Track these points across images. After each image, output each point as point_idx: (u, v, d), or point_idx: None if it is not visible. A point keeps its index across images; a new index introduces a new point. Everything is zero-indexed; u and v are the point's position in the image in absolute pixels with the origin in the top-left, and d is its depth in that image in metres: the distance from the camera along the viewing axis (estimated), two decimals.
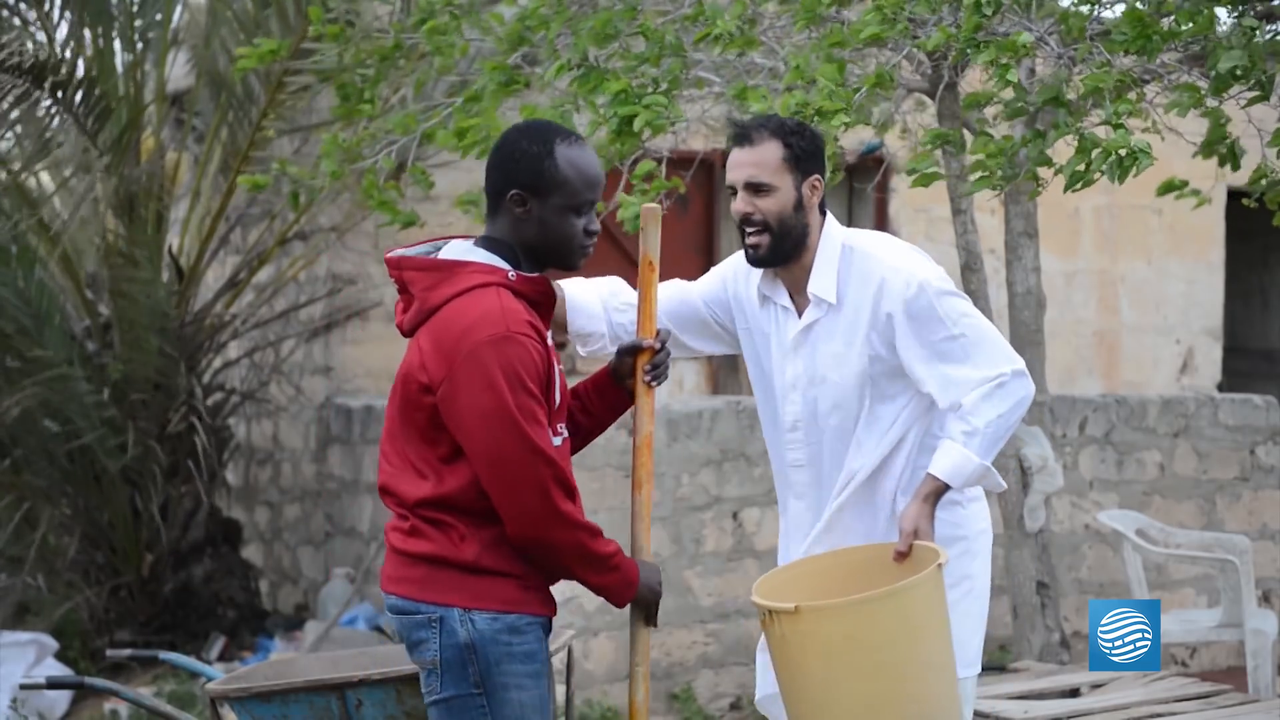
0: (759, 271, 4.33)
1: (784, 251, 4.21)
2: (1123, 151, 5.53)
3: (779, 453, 4.36)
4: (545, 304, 3.76)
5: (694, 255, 10.67)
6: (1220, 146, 6.37)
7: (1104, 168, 5.60)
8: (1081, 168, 5.68)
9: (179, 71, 9.82)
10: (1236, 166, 6.37)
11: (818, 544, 4.28)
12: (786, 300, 4.29)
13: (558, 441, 3.73)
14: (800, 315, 4.27)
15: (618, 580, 3.75)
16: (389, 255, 3.80)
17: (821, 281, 4.23)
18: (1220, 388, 11.78)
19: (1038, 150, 5.89)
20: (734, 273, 4.42)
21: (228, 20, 9.14)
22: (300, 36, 8.50)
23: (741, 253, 4.38)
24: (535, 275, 3.75)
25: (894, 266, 4.20)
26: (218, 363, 9.77)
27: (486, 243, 3.79)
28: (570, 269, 3.82)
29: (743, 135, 4.23)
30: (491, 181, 3.80)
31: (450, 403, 3.60)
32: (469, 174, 9.65)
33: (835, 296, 4.21)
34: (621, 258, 10.54)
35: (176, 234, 9.70)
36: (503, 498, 3.62)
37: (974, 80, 7.35)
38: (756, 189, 4.21)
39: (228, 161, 9.28)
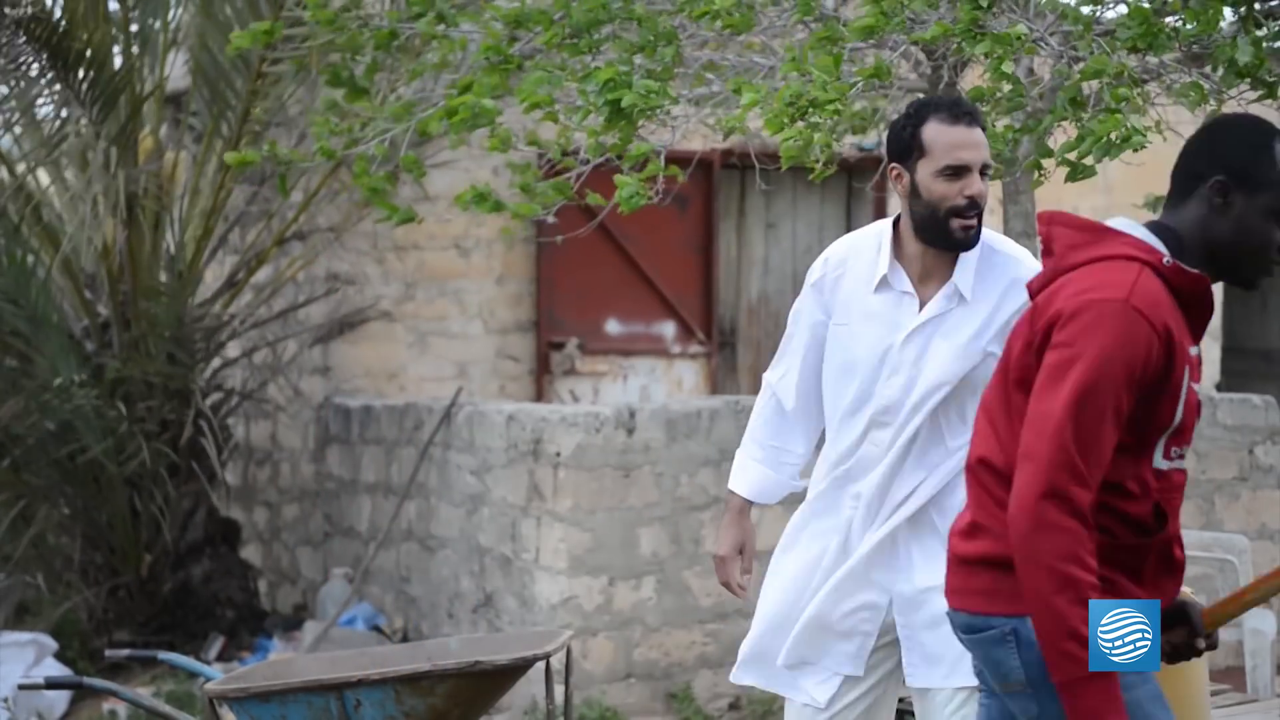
0: (855, 260, 4.26)
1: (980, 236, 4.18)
2: (1115, 134, 5.53)
3: (853, 437, 4.25)
4: (1196, 306, 3.27)
5: (693, 255, 10.68)
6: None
7: (1094, 151, 5.60)
8: (1073, 156, 5.70)
9: (177, 71, 9.82)
10: None
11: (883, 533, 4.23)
12: (908, 286, 4.21)
13: (1165, 465, 3.26)
14: (921, 302, 4.19)
15: (1070, 672, 3.12)
16: (1042, 211, 3.47)
17: (965, 275, 4.17)
18: (1219, 387, 11.77)
19: (1038, 138, 5.88)
20: (826, 276, 4.32)
21: (216, 21, 9.12)
22: (274, 20, 8.52)
23: (827, 254, 4.32)
24: (1195, 271, 3.26)
25: (1031, 269, 4.16)
26: (216, 363, 9.77)
27: (1154, 226, 3.32)
28: (1248, 286, 3.40)
29: (969, 114, 4.12)
30: (1190, 164, 3.32)
31: (1039, 354, 3.23)
32: (466, 174, 9.65)
33: (970, 292, 4.16)
34: (622, 259, 10.55)
35: (175, 234, 9.70)
36: (1019, 464, 3.16)
37: (973, 80, 7.35)
38: (983, 171, 4.12)
39: (224, 162, 9.29)
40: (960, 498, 4.04)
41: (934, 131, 4.09)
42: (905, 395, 4.20)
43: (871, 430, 4.23)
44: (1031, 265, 4.21)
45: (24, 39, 8.20)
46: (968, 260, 4.18)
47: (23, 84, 8.58)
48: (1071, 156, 5.82)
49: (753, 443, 4.43)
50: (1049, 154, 5.90)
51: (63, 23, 8.34)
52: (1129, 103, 5.77)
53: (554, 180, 7.01)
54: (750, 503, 4.43)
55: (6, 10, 8.20)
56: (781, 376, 4.39)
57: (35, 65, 8.44)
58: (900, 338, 4.20)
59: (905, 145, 4.14)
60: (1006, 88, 5.92)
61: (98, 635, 9.17)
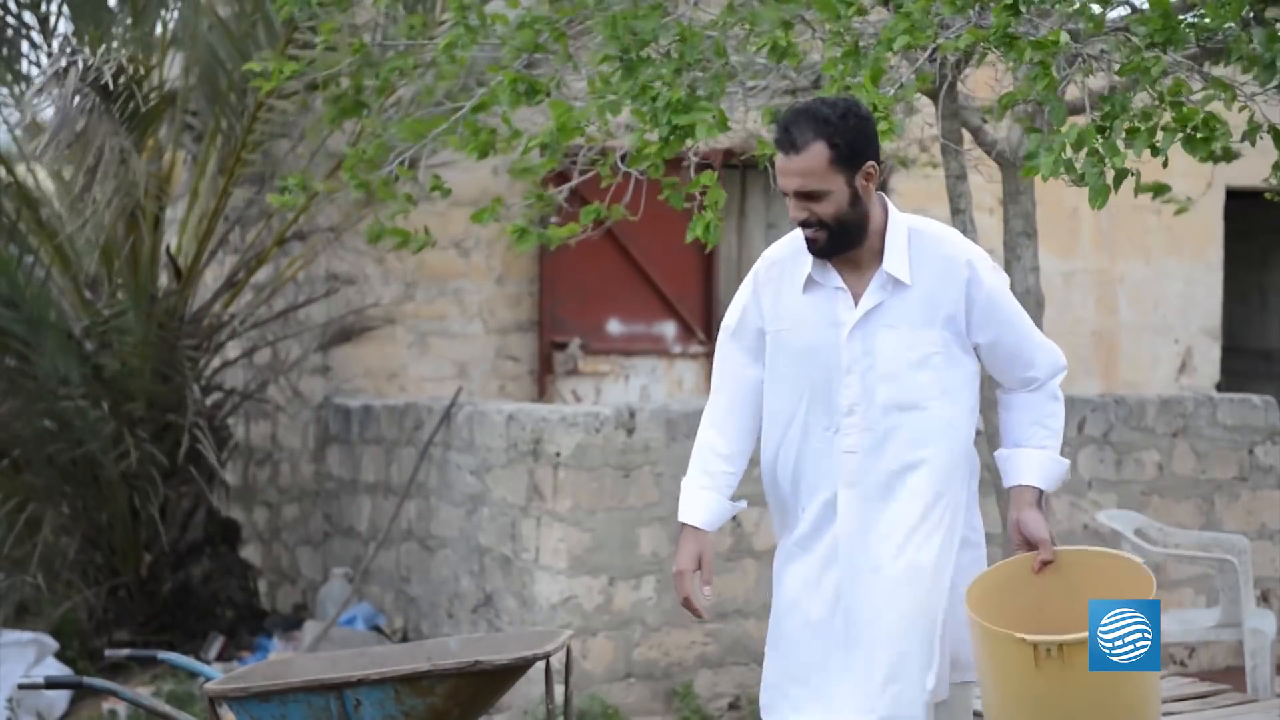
0: (787, 262, 4.32)
1: (845, 244, 4.19)
2: (1194, 125, 5.47)
3: (826, 440, 4.25)
4: None
5: (693, 254, 10.68)
6: (1261, 134, 6.29)
7: (1178, 139, 5.52)
8: (1155, 141, 5.61)
9: (176, 72, 9.82)
10: (1231, 159, 6.34)
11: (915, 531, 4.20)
12: (839, 282, 4.25)
13: None
14: (856, 298, 4.23)
15: None
16: None
17: (896, 262, 4.20)
18: (1219, 387, 11.78)
19: (1111, 145, 5.80)
20: (754, 290, 4.38)
21: (217, 25, 9.13)
22: (285, 43, 8.52)
23: (765, 258, 4.38)
24: None
25: (967, 249, 4.25)
26: (216, 363, 9.77)
27: None
28: None
29: (788, 142, 4.15)
30: None
31: None
32: (468, 173, 9.65)
33: (909, 276, 4.20)
34: (623, 259, 10.55)
35: (174, 234, 9.70)
36: None
37: (978, 81, 7.34)
38: (809, 196, 4.15)
39: (225, 162, 9.28)
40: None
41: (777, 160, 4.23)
42: (865, 392, 4.21)
43: (847, 433, 4.22)
44: (956, 240, 4.27)
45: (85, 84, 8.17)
46: (895, 246, 4.21)
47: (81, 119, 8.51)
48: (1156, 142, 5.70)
49: (699, 472, 4.40)
50: (1115, 152, 5.78)
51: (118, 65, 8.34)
52: (1184, 94, 5.70)
53: (590, 207, 7.05)
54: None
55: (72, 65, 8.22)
56: (719, 409, 4.40)
57: (89, 106, 8.39)
58: (844, 334, 4.23)
59: None
60: (1038, 88, 5.83)
61: (98, 635, 9.17)
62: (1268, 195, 7.21)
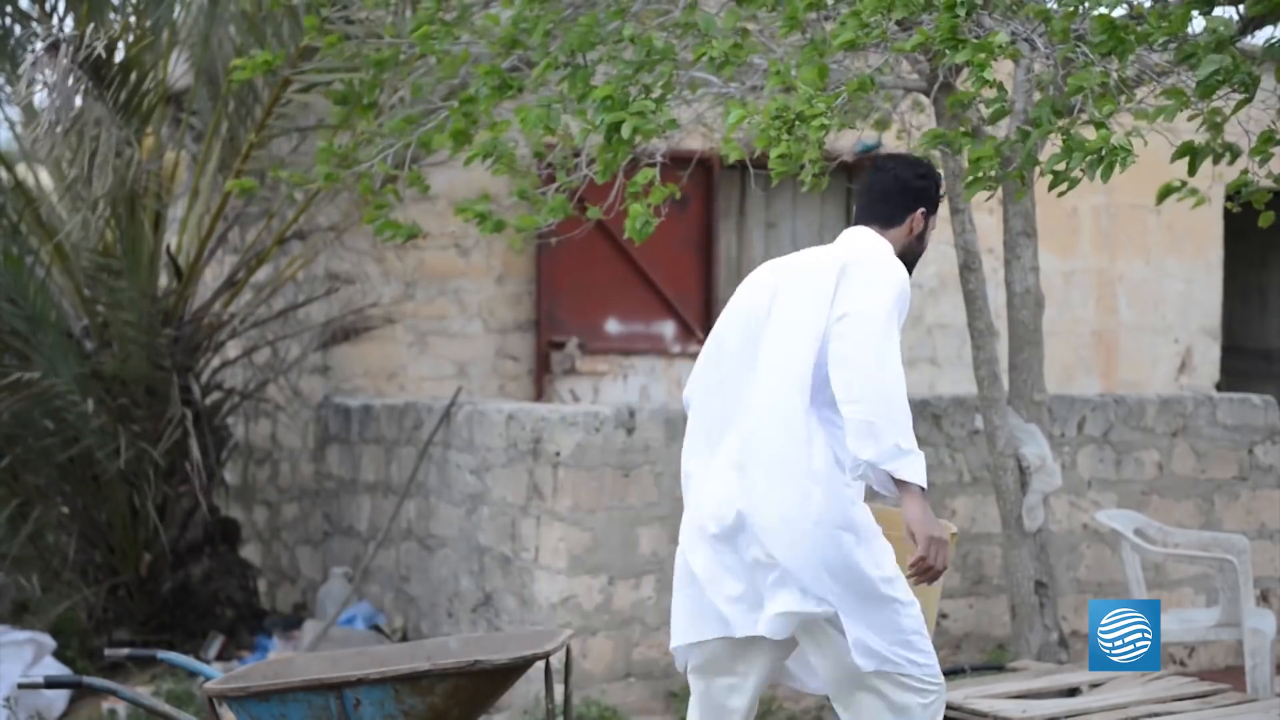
0: None
1: None
2: (1103, 150, 5.60)
3: None
4: None
5: (692, 254, 10.68)
6: (1215, 147, 6.36)
7: (1083, 166, 5.67)
8: (1062, 166, 5.76)
9: (178, 71, 9.81)
10: (1234, 159, 6.37)
11: None
12: None
13: None
14: None
15: None
16: None
17: None
18: (1218, 387, 11.78)
19: (1026, 151, 5.92)
20: None
21: (227, 21, 9.12)
22: (300, 41, 8.51)
23: None
24: None
25: None
26: (216, 362, 9.77)
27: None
28: None
29: None
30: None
31: None
32: (465, 173, 9.65)
33: None
34: (622, 258, 10.55)
35: (174, 233, 9.69)
36: None
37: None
38: None
39: (226, 161, 9.28)
40: None
41: None
42: None
43: None
44: None
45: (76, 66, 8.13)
46: None
47: (71, 105, 8.46)
48: (1059, 168, 5.84)
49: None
50: (1034, 163, 5.96)
51: (111, 50, 8.31)
52: (1136, 116, 5.79)
53: (556, 198, 7.11)
54: None
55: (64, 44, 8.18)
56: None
57: (82, 88, 8.35)
58: None
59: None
60: (991, 94, 5.95)
61: (97, 634, 9.17)
62: (1228, 205, 7.22)
